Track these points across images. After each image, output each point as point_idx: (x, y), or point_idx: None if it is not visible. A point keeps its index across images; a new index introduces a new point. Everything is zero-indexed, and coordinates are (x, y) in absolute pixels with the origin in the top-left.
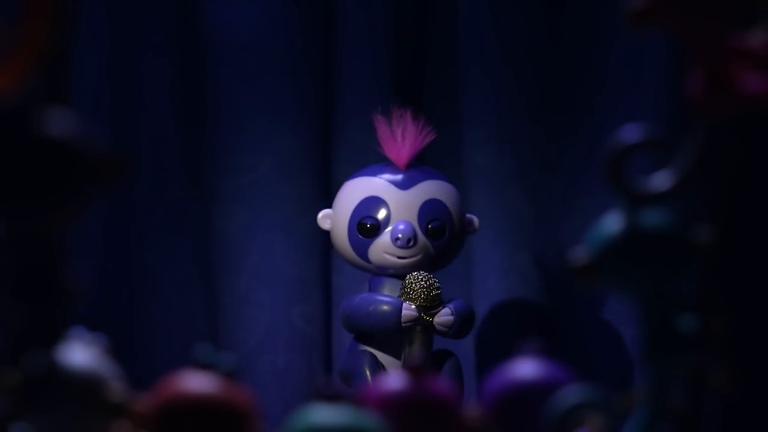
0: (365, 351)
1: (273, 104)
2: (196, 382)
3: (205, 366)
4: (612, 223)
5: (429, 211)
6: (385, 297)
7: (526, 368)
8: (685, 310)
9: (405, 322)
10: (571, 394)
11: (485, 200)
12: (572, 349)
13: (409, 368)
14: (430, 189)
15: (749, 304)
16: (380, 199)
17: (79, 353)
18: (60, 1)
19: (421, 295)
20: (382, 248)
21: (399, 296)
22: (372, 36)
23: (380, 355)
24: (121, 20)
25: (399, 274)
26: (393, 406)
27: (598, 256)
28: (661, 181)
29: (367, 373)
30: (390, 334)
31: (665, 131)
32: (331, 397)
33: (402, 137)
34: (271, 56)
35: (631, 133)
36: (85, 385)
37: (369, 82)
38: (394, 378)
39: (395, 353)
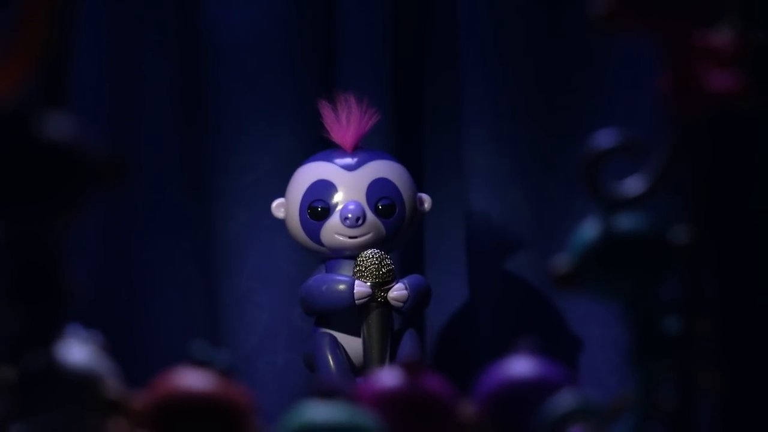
0: (324, 333)
1: (273, 104)
2: (192, 379)
3: (201, 363)
4: (589, 229)
5: (377, 189)
6: (338, 276)
7: (521, 366)
8: (670, 311)
9: (358, 299)
10: (564, 401)
11: (485, 200)
12: (571, 349)
13: (405, 365)
14: (377, 169)
15: (733, 304)
16: (328, 182)
17: (75, 350)
18: (58, 4)
19: (373, 271)
20: (333, 230)
21: (352, 275)
22: (372, 36)
23: (340, 337)
24: (121, 20)
25: (354, 255)
26: (388, 403)
27: (578, 263)
28: (635, 184)
29: (327, 354)
30: (345, 312)
31: (664, 131)
32: (326, 393)
33: (347, 121)
34: (271, 56)
35: (606, 138)
36: (81, 382)
37: (369, 82)
38: (389, 375)
39: (354, 334)
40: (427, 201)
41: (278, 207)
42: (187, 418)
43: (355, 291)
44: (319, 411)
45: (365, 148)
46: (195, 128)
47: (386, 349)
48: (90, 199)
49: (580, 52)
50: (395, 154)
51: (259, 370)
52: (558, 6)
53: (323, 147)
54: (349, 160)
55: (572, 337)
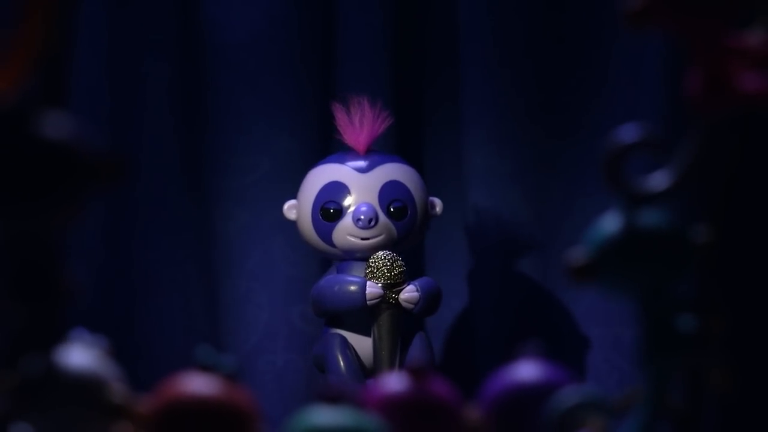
0: (335, 334)
1: (273, 105)
2: (197, 384)
3: (206, 368)
4: (610, 223)
5: (390, 192)
6: (350, 277)
7: (526, 370)
8: (684, 309)
9: (370, 300)
10: (570, 395)
11: (484, 200)
12: (571, 348)
13: (410, 370)
14: (390, 171)
15: (747, 304)
16: (341, 184)
17: (81, 355)
18: (57, 3)
19: (385, 273)
20: (345, 231)
21: (364, 276)
22: (372, 37)
23: (350, 337)
24: (121, 20)
25: (365, 257)
26: (394, 407)
27: (596, 256)
28: (659, 180)
29: (338, 355)
30: (356, 313)
31: (664, 131)
32: (332, 398)
33: (360, 124)
34: (270, 57)
35: (628, 133)
36: (86, 386)
37: (369, 83)
38: (395, 379)
39: (365, 335)
40: (438, 205)
41: (290, 209)
42: (192, 422)
43: (366, 292)
44: (324, 415)
45: (378, 151)
46: (195, 128)
47: (396, 351)
48: (89, 197)
49: (579, 54)
50: (395, 154)
51: (259, 370)
52: (557, 7)
53: (323, 147)
54: (361, 163)
55: (572, 337)
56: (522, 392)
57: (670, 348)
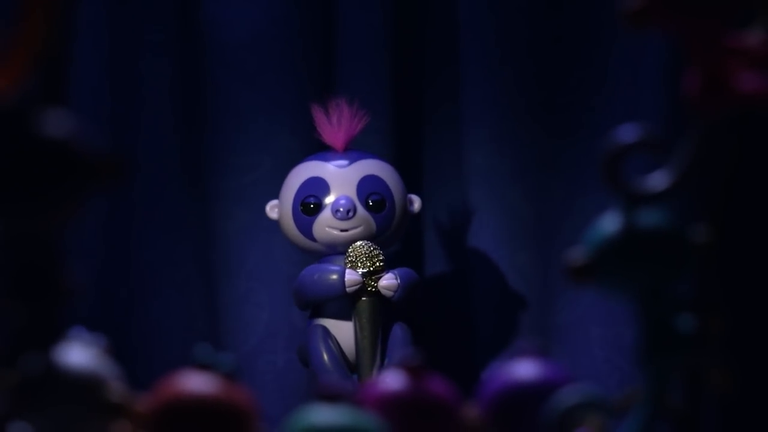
0: (317, 325)
1: (272, 104)
2: (195, 382)
3: (204, 366)
4: (609, 223)
5: (368, 185)
6: (329, 265)
7: (524, 368)
8: (683, 309)
9: (349, 287)
10: (570, 395)
11: (485, 200)
12: (571, 349)
13: (408, 368)
14: (367, 166)
15: (747, 304)
16: (320, 179)
17: (79, 353)
18: (57, 2)
19: (364, 260)
20: (325, 223)
21: (344, 266)
22: (371, 36)
23: (332, 328)
24: (121, 20)
25: (346, 250)
26: (392, 405)
27: (595, 257)
28: (658, 180)
29: (320, 345)
30: (337, 302)
31: (664, 131)
32: (330, 396)
33: (338, 122)
34: (270, 56)
35: (627, 133)
36: (84, 385)
37: (369, 82)
38: (393, 378)
39: (346, 325)
40: (416, 201)
41: (272, 208)
42: (190, 421)
43: (346, 279)
44: (322, 414)
45: (356, 149)
46: (195, 128)
47: (378, 340)
48: (88, 196)
49: (580, 53)
50: (395, 153)
51: (259, 370)
52: (558, 7)
53: (322, 146)
54: (340, 159)
55: (572, 337)
56: (520, 391)
57: (669, 348)
